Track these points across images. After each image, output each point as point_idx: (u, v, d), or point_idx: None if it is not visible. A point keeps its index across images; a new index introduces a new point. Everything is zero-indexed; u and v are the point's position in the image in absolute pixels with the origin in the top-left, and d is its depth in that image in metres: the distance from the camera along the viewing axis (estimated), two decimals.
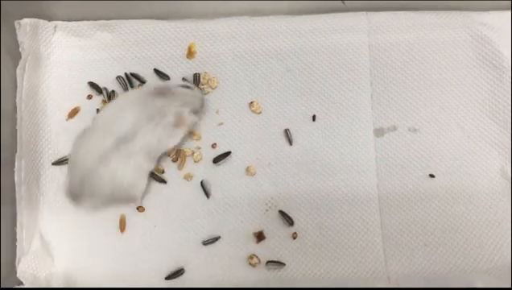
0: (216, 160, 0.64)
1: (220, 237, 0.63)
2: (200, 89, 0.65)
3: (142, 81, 0.66)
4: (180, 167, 0.64)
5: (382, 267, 0.62)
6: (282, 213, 0.63)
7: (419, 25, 0.66)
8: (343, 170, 0.64)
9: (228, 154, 0.64)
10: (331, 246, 0.63)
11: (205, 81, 0.66)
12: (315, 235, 0.63)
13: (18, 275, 0.60)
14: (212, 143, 0.65)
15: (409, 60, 0.66)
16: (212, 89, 0.66)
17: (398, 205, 0.64)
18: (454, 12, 0.67)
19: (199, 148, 0.65)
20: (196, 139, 0.65)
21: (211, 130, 0.65)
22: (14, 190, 0.63)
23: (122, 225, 0.63)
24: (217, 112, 0.65)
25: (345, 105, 0.66)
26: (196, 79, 0.66)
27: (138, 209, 0.63)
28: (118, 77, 0.65)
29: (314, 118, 0.65)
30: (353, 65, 0.66)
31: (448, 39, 0.66)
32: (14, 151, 0.63)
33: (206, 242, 0.63)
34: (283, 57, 0.66)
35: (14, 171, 0.63)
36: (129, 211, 0.63)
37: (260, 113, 0.65)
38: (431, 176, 0.64)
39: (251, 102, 0.65)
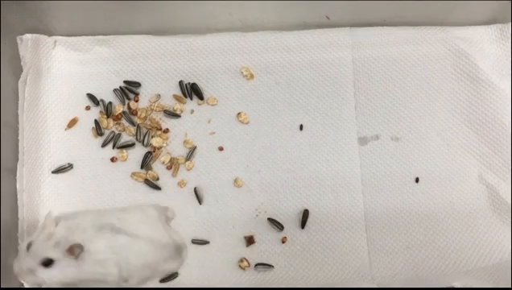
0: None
1: (210, 241, 0.65)
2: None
3: (136, 93, 0.69)
4: (174, 174, 0.67)
5: (367, 269, 0.65)
6: (271, 219, 0.66)
7: (399, 39, 0.69)
8: (329, 177, 0.67)
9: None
10: (318, 249, 0.65)
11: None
12: (304, 239, 0.65)
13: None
14: (204, 152, 0.67)
15: (390, 72, 0.69)
16: (210, 105, 0.68)
17: (382, 210, 0.66)
18: (433, 27, 0.70)
19: (191, 156, 0.67)
20: (189, 148, 0.68)
21: (203, 139, 0.68)
22: (16, 196, 0.65)
23: None
24: (209, 121, 0.68)
25: (331, 115, 0.68)
26: (187, 89, 0.68)
27: None
28: (115, 90, 0.68)
29: (301, 127, 0.68)
30: (338, 78, 0.69)
31: (427, 52, 0.69)
32: (16, 159, 0.65)
33: (196, 241, 0.65)
34: (272, 70, 0.69)
35: (15, 179, 0.65)
36: None
37: (248, 123, 0.68)
38: (416, 180, 0.67)
39: (239, 113, 0.68)
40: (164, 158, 0.67)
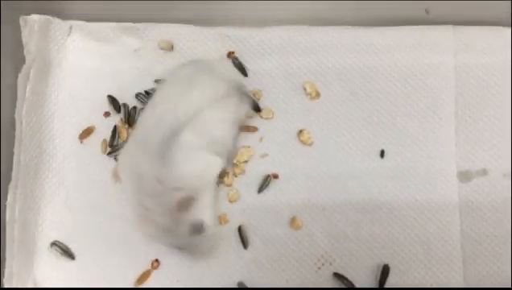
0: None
1: None
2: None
3: None
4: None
5: None
6: (337, 275, 0.53)
7: None
8: (418, 223, 0.54)
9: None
10: None
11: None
12: None
13: None
14: (253, 179, 0.55)
15: (504, 86, 0.56)
16: (264, 118, 0.56)
17: (484, 263, 0.53)
18: None
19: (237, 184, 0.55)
20: (234, 173, 0.55)
21: (253, 162, 0.55)
22: None
23: (141, 278, 0.53)
24: (261, 140, 0.56)
25: (423, 139, 0.56)
26: None
27: (152, 264, 0.54)
28: (139, 94, 0.56)
29: (382, 153, 0.55)
30: (435, 91, 0.57)
31: None
32: (8, 179, 0.54)
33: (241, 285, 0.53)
34: (347, 77, 0.57)
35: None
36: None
37: (311, 144, 0.56)
38: None
39: (300, 131, 0.56)
40: None
